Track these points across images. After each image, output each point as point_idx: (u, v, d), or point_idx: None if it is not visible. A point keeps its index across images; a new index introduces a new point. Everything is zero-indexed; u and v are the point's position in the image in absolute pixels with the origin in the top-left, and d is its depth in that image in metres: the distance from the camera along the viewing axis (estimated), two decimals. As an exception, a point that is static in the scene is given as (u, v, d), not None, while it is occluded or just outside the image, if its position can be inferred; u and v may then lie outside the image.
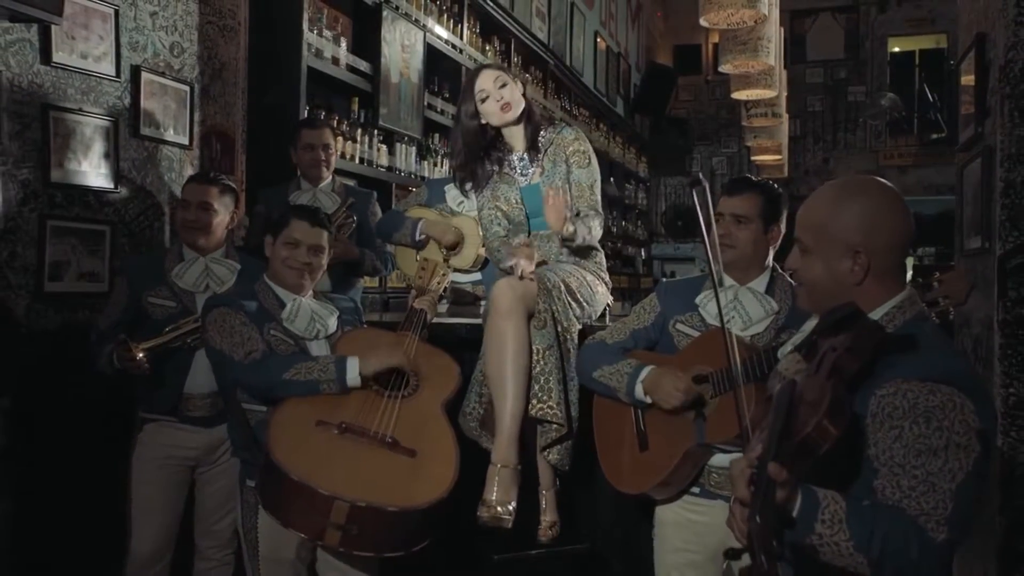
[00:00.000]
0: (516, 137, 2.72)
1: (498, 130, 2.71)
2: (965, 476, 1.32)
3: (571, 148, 2.70)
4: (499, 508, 2.23)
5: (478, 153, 2.70)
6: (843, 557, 1.32)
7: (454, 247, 3.17)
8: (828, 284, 1.49)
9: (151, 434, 2.62)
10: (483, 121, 2.67)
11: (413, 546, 2.06)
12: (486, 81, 2.64)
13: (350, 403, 2.21)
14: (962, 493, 1.32)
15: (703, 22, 4.10)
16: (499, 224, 2.74)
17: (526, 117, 2.70)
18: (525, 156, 2.72)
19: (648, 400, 2.14)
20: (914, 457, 1.33)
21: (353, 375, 2.21)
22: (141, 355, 2.45)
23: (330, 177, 3.52)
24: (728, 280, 2.25)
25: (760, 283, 2.24)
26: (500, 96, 2.62)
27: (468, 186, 2.77)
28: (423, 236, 3.14)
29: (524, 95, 2.70)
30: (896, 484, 1.35)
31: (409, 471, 2.10)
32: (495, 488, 2.25)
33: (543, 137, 2.72)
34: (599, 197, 2.73)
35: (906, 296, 1.49)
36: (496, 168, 2.73)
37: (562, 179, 2.68)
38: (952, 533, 1.31)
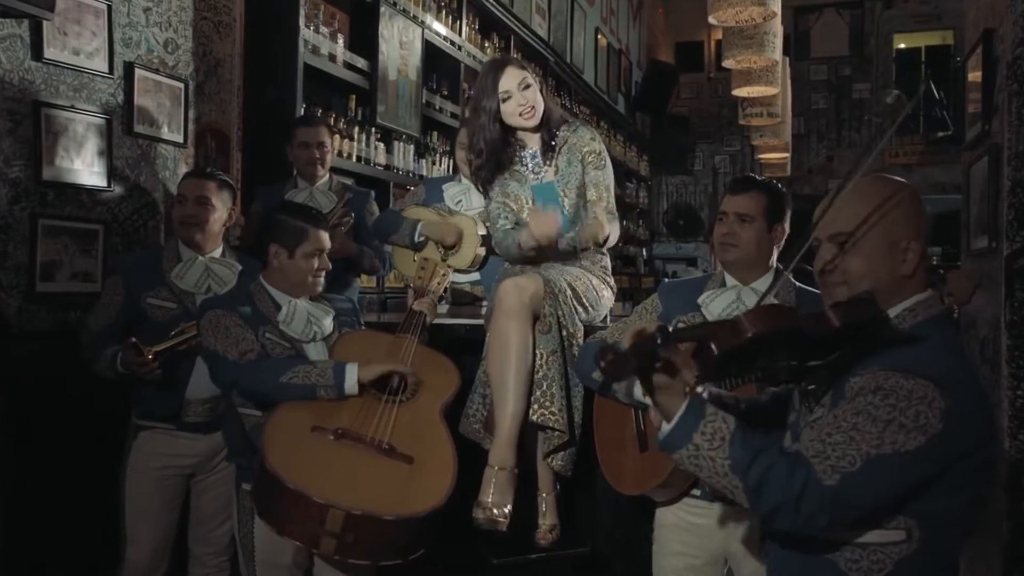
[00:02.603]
0: (531, 137, 2.71)
1: (513, 128, 2.69)
2: (892, 453, 1.29)
3: (587, 148, 2.69)
4: (495, 510, 2.23)
5: (500, 154, 2.68)
6: (718, 476, 1.34)
7: (454, 247, 3.16)
8: (876, 277, 1.46)
9: (147, 442, 2.60)
10: (504, 120, 2.64)
11: (410, 554, 2.06)
12: (510, 82, 2.61)
13: (346, 408, 2.20)
14: (878, 465, 1.29)
15: (712, 19, 4.10)
16: (506, 217, 2.73)
17: (545, 120, 2.68)
18: (539, 154, 2.71)
19: (648, 402, 2.14)
20: (852, 416, 1.33)
21: (352, 382, 2.20)
22: (151, 357, 2.44)
23: (327, 176, 3.51)
24: (731, 280, 2.25)
25: (764, 283, 2.24)
26: (524, 99, 2.61)
27: (488, 181, 2.74)
28: (423, 237, 3.14)
29: (542, 94, 2.68)
30: (819, 431, 1.35)
31: (406, 478, 2.09)
32: (491, 490, 2.25)
33: (558, 136, 2.70)
34: (614, 200, 2.72)
35: (928, 296, 1.48)
36: (507, 164, 2.71)
37: (577, 179, 2.67)
38: (844, 489, 1.28)
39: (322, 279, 2.42)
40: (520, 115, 2.62)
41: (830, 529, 1.33)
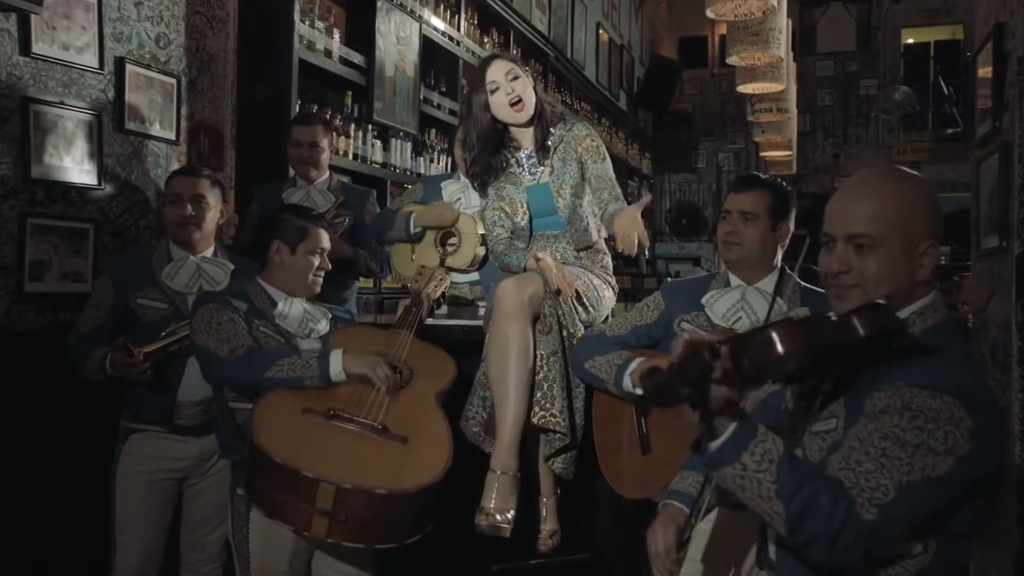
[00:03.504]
0: (525, 135, 2.70)
1: (506, 125, 2.69)
2: (922, 479, 1.27)
3: (584, 145, 2.68)
4: (497, 516, 2.22)
5: (492, 148, 2.68)
6: (762, 500, 1.30)
7: (454, 226, 3.13)
8: (893, 281, 1.41)
9: (137, 445, 2.59)
10: (494, 114, 2.65)
11: (406, 538, 2.05)
12: (497, 72, 2.61)
13: (339, 393, 2.21)
14: (910, 493, 1.27)
15: (709, 13, 4.10)
16: (503, 226, 2.73)
17: (536, 116, 2.67)
18: (534, 155, 2.70)
19: (638, 392, 2.14)
20: (879, 440, 1.31)
21: (336, 369, 2.21)
22: (141, 358, 2.43)
23: (326, 175, 3.50)
24: (735, 280, 2.25)
25: (768, 283, 2.24)
26: (511, 89, 2.60)
27: (483, 181, 2.74)
28: (419, 229, 3.13)
29: (535, 91, 2.67)
30: (847, 457, 1.32)
31: (399, 456, 2.09)
32: (493, 495, 2.24)
33: (553, 134, 2.70)
34: (618, 188, 2.72)
35: (933, 299, 1.45)
36: (503, 166, 2.72)
37: (572, 178, 2.67)
38: (881, 522, 1.27)
39: (321, 279, 2.47)
40: (510, 105, 2.61)
41: (861, 560, 1.31)
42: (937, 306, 1.45)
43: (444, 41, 5.57)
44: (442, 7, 5.57)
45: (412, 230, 3.10)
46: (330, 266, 2.48)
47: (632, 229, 2.37)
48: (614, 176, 2.72)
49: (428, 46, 5.32)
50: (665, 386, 1.30)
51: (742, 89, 5.79)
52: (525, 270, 2.55)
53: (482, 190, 2.79)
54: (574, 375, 2.40)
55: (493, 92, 2.61)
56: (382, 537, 2.03)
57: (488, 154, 2.69)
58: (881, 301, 1.35)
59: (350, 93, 4.63)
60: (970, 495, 1.33)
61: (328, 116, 4.26)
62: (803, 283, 2.22)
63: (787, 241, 2.26)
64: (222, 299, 2.34)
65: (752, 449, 1.30)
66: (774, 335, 1.28)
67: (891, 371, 1.35)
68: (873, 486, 1.28)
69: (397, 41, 4.92)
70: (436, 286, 2.78)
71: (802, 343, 1.28)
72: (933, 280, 1.46)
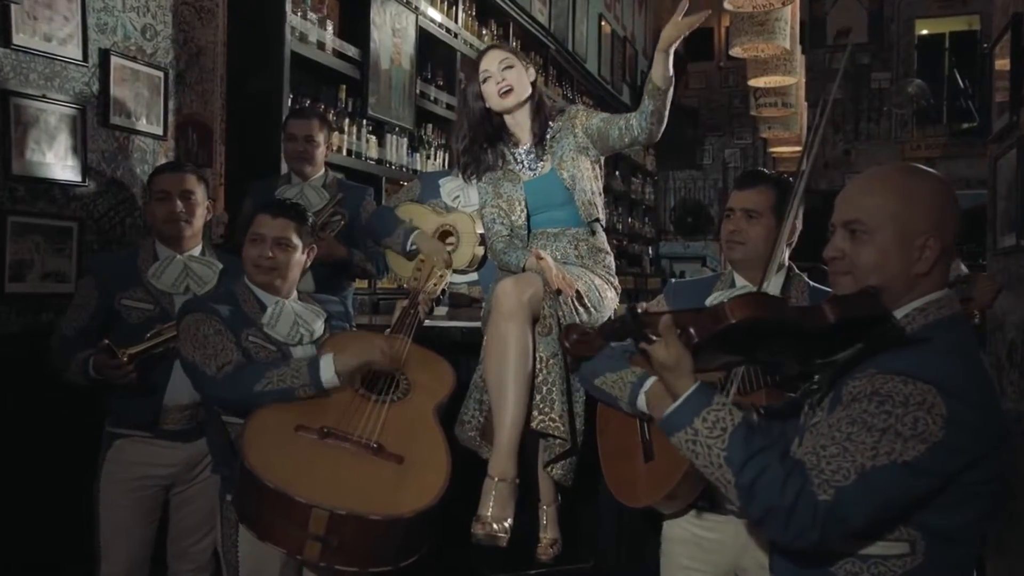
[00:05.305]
0: (522, 129, 2.72)
1: (504, 120, 2.70)
2: (888, 464, 1.28)
3: (577, 118, 2.71)
4: (495, 524, 2.22)
5: (483, 139, 2.71)
6: (713, 467, 1.36)
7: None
8: (885, 272, 1.43)
9: (122, 451, 2.59)
10: (487, 104, 2.67)
11: (402, 560, 2.04)
12: (491, 61, 2.66)
13: (333, 407, 2.19)
14: (873, 478, 1.28)
15: (727, 5, 4.09)
16: (502, 223, 2.73)
17: (534, 109, 2.70)
18: (533, 150, 2.72)
19: (651, 412, 2.14)
20: (846, 425, 1.33)
21: (328, 374, 2.19)
22: (126, 360, 2.42)
23: (321, 171, 3.49)
24: (740, 280, 2.24)
25: (774, 284, 2.23)
26: (502, 78, 2.63)
27: (469, 172, 2.77)
28: (414, 246, 3.13)
29: (534, 84, 2.70)
30: (814, 443, 1.35)
31: (395, 478, 2.08)
32: (491, 503, 2.24)
33: (552, 127, 2.71)
34: None
35: (941, 296, 1.45)
36: (500, 162, 2.73)
37: (571, 149, 2.67)
38: (837, 505, 1.29)
39: (270, 268, 2.35)
40: (497, 94, 2.64)
41: (821, 544, 1.33)
42: (944, 303, 1.45)
43: (441, 33, 5.56)
44: (439, -2, 5.57)
45: (409, 247, 3.10)
46: (275, 255, 2.35)
47: (675, 25, 2.51)
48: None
49: (425, 38, 5.31)
50: (585, 338, 1.36)
51: (753, 83, 5.77)
52: (524, 270, 2.55)
53: (470, 180, 2.80)
54: (581, 388, 2.40)
55: (485, 81, 2.65)
56: (377, 561, 2.03)
57: (478, 145, 2.71)
58: (870, 290, 1.38)
59: (344, 87, 4.62)
60: (948, 488, 1.32)
61: (321, 110, 4.25)
62: (812, 283, 2.22)
63: (794, 239, 2.25)
64: (207, 308, 2.31)
65: (704, 415, 1.37)
66: (724, 304, 1.34)
67: (869, 361, 1.37)
68: (834, 469, 1.31)
69: (393, 33, 4.92)
70: (436, 284, 2.77)
71: (752, 314, 1.32)
72: (944, 277, 1.46)
